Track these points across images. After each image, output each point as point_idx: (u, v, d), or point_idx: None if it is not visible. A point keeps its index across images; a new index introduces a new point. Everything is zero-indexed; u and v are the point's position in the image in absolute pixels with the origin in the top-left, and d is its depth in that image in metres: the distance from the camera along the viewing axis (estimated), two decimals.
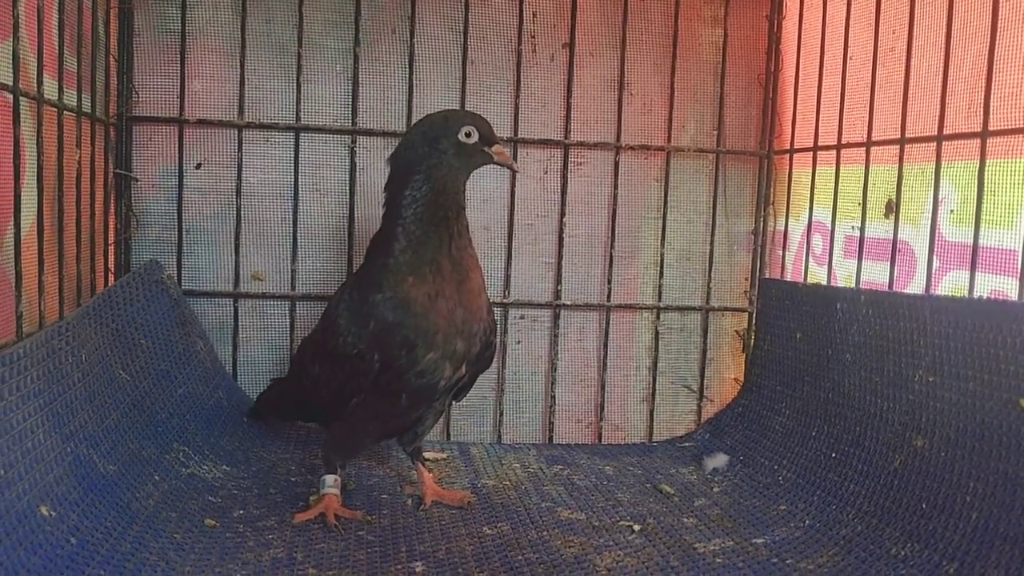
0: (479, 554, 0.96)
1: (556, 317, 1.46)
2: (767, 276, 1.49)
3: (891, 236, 1.16)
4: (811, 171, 1.36)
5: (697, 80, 1.47)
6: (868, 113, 1.20)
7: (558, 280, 1.45)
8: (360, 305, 1.01)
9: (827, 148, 1.31)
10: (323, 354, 1.06)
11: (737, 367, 1.52)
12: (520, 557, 0.95)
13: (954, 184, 1.08)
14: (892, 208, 1.17)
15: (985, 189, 1.00)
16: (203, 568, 0.88)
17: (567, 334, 1.47)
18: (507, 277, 1.43)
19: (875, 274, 1.20)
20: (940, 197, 1.09)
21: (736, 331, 1.53)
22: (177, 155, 1.35)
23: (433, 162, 1.01)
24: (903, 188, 1.15)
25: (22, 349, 0.87)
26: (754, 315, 1.49)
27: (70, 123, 1.11)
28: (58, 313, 1.07)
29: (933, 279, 1.09)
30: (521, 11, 1.40)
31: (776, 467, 1.21)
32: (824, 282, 1.31)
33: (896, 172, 1.15)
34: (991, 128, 0.99)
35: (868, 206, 1.22)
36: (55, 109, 1.06)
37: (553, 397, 1.47)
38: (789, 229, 1.45)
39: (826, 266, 1.31)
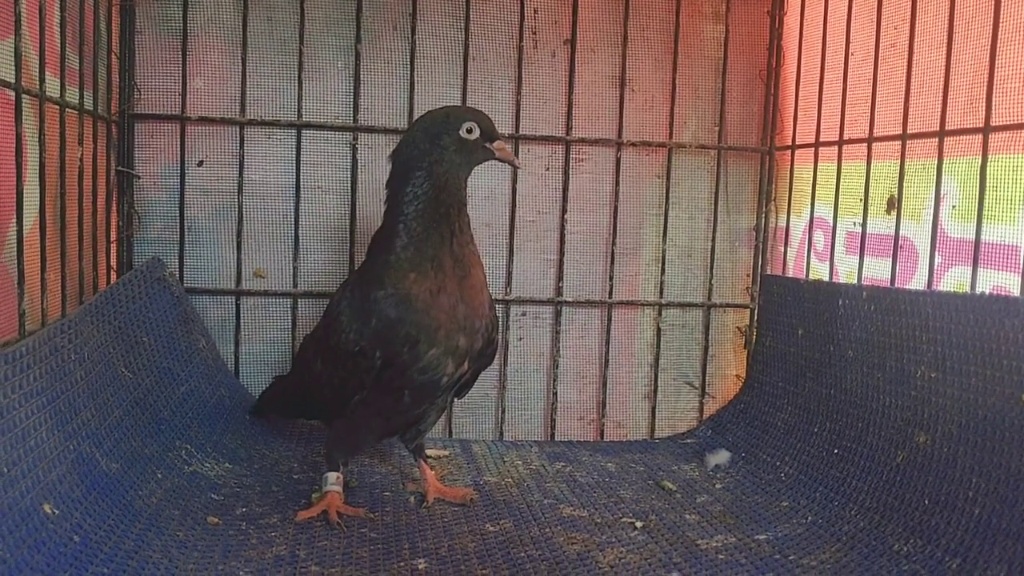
0: (481, 551, 0.96)
1: (558, 314, 1.46)
2: (769, 272, 1.49)
3: (893, 232, 1.16)
4: (813, 167, 1.36)
5: (698, 76, 1.47)
6: (870, 109, 1.20)
7: (560, 277, 1.45)
8: (362, 302, 1.01)
9: (829, 144, 1.31)
10: (325, 351, 1.06)
11: (739, 363, 1.52)
12: (523, 554, 0.95)
13: (956, 180, 1.08)
14: (894, 204, 1.17)
15: (987, 185, 1.00)
16: (206, 566, 0.88)
17: (569, 331, 1.47)
18: (509, 274, 1.43)
19: (877, 270, 1.20)
20: (942, 193, 1.08)
21: (738, 327, 1.53)
22: (179, 152, 1.35)
23: (434, 158, 1.00)
24: (905, 184, 1.15)
25: (24, 347, 0.87)
26: (756, 311, 1.49)
27: (72, 120, 1.11)
28: (60, 311, 1.08)
29: (935, 275, 1.09)
30: (522, 7, 1.40)
31: (778, 463, 1.22)
32: (826, 278, 1.31)
33: (898, 168, 1.15)
34: (993, 123, 0.99)
35: (870, 202, 1.22)
36: (57, 106, 1.06)
37: (555, 394, 1.47)
38: (791, 225, 1.45)
39: (828, 262, 1.31)
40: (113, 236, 1.31)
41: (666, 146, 1.46)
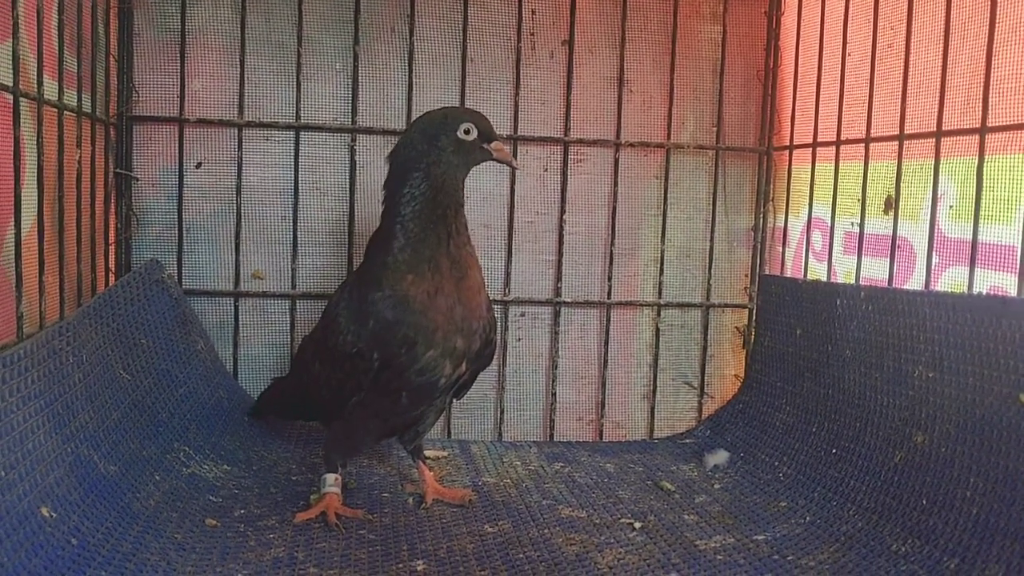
0: (480, 552, 0.96)
1: (557, 314, 1.46)
2: (767, 272, 1.49)
3: (890, 232, 1.16)
4: (810, 167, 1.36)
5: (696, 77, 1.47)
6: (867, 109, 1.20)
7: (558, 277, 1.45)
8: (359, 303, 1.01)
9: (826, 144, 1.31)
10: (323, 352, 1.06)
11: (737, 363, 1.52)
12: (521, 555, 0.95)
13: (953, 180, 1.08)
14: (891, 204, 1.17)
15: (984, 185, 1.00)
16: (204, 568, 0.88)
17: (568, 331, 1.47)
18: (507, 275, 1.43)
19: (875, 270, 1.20)
20: (939, 193, 1.09)
21: (736, 327, 1.53)
22: (177, 154, 1.35)
23: (432, 160, 1.01)
24: (902, 184, 1.15)
25: (23, 350, 0.87)
26: (754, 311, 1.49)
27: (70, 123, 1.11)
28: (59, 313, 1.08)
29: (932, 275, 1.09)
30: (520, 9, 1.40)
31: (777, 463, 1.22)
32: (824, 278, 1.31)
33: (895, 168, 1.15)
34: (990, 124, 0.99)
35: (867, 202, 1.22)
36: (55, 109, 1.06)
37: (554, 394, 1.47)
38: (789, 225, 1.45)
39: (826, 262, 1.31)
40: (111, 238, 1.32)
41: (664, 147, 1.46)
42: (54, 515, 0.83)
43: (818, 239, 1.36)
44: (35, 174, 1.02)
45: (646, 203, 1.48)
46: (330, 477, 1.07)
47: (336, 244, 1.40)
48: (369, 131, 1.39)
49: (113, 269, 1.32)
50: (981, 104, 1.00)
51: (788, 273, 1.45)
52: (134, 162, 1.34)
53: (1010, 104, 0.98)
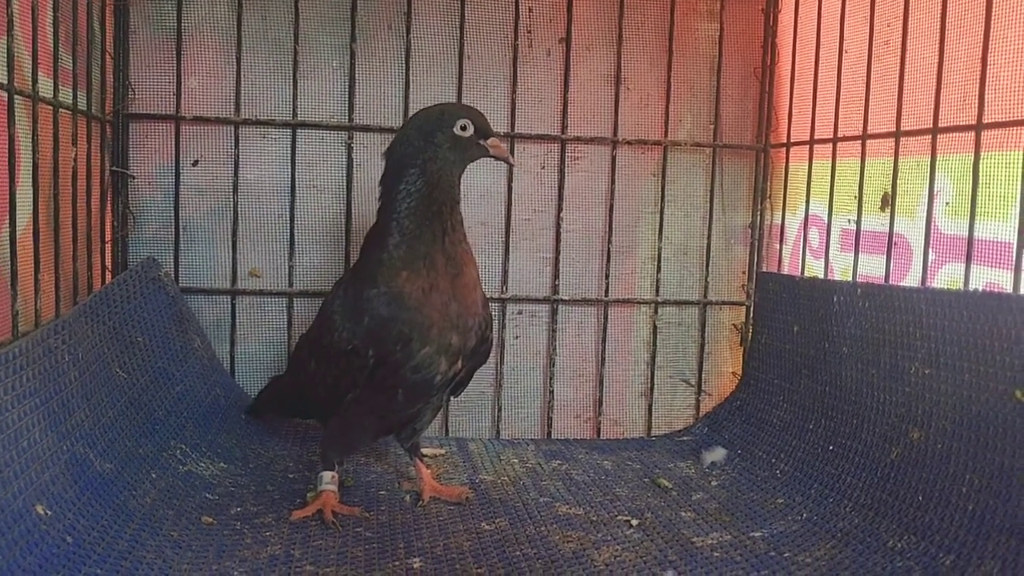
0: (477, 550, 0.96)
1: (554, 312, 1.46)
2: (764, 270, 1.49)
3: (887, 229, 1.16)
4: (807, 165, 1.36)
5: (693, 74, 1.47)
6: (864, 106, 1.20)
7: (556, 275, 1.45)
8: (354, 300, 1.01)
9: (823, 142, 1.31)
10: (319, 350, 1.06)
11: (735, 361, 1.52)
12: (518, 552, 0.95)
13: (950, 177, 1.08)
14: (888, 201, 1.17)
15: (980, 181, 1.00)
16: (200, 566, 0.88)
17: (565, 329, 1.47)
18: (505, 272, 1.43)
19: (871, 267, 1.20)
20: (936, 190, 1.09)
21: (734, 325, 1.53)
22: (174, 152, 1.35)
23: (428, 156, 1.00)
24: (899, 181, 1.15)
25: (18, 348, 0.87)
26: (751, 309, 1.49)
27: (66, 121, 1.11)
28: (54, 311, 1.08)
29: (929, 272, 1.09)
30: (517, 6, 1.40)
31: (774, 460, 1.22)
32: (821, 275, 1.31)
33: (892, 165, 1.15)
34: (986, 121, 0.99)
35: (864, 199, 1.22)
36: (50, 107, 1.06)
37: (551, 392, 1.47)
38: (786, 223, 1.45)
39: (823, 259, 1.32)
40: (108, 236, 1.31)
41: (661, 144, 1.46)
42: (49, 513, 0.82)
43: (815, 236, 1.36)
44: (30, 172, 1.01)
45: (643, 201, 1.48)
46: (327, 475, 1.07)
47: (333, 242, 1.40)
48: (366, 129, 1.38)
49: (109, 267, 1.32)
50: (977, 101, 1.00)
51: (785, 270, 1.45)
52: (130, 160, 1.34)
53: (1006, 101, 0.98)
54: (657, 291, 1.48)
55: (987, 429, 0.91)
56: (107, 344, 1.11)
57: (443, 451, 1.33)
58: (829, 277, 1.30)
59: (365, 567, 0.90)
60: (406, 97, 1.38)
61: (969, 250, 1.01)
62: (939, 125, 1.07)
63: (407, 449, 1.16)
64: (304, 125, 1.37)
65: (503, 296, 1.43)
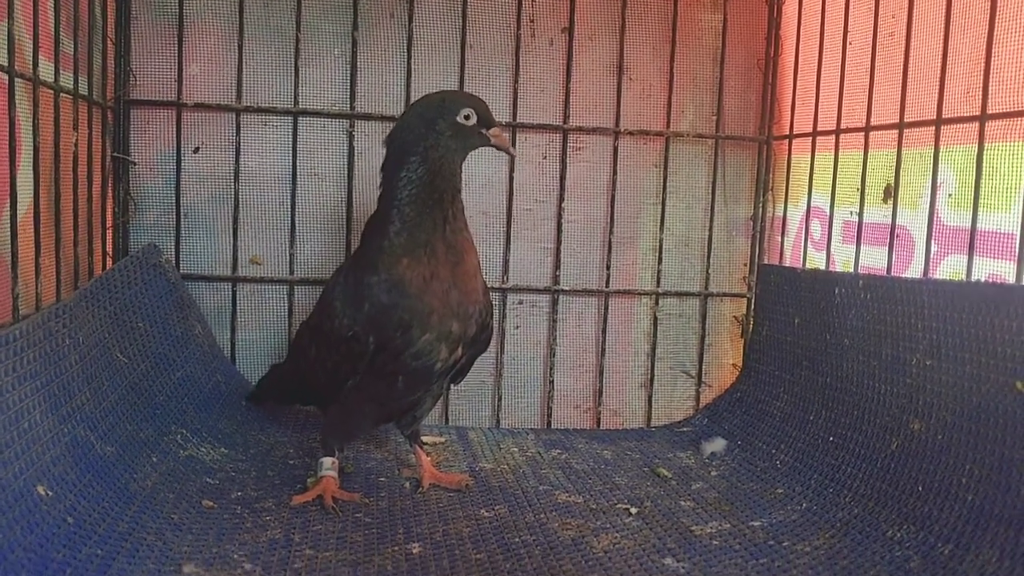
0: (476, 536, 0.96)
1: (555, 302, 1.46)
2: (766, 262, 1.49)
3: (889, 221, 1.16)
4: (810, 156, 1.36)
5: (696, 65, 1.47)
6: (867, 98, 1.20)
7: (557, 265, 1.45)
8: (355, 287, 1.01)
9: (826, 133, 1.31)
10: (320, 336, 1.06)
11: (735, 352, 1.52)
12: (517, 539, 0.95)
13: (952, 168, 1.08)
14: (890, 193, 1.17)
15: (983, 173, 1.00)
16: (200, 548, 0.88)
17: (566, 319, 1.47)
18: (506, 262, 1.43)
19: (873, 259, 1.20)
20: (938, 181, 1.08)
21: (735, 316, 1.53)
22: (175, 139, 1.35)
23: (430, 143, 1.00)
24: (901, 173, 1.15)
25: (19, 330, 0.87)
26: (752, 300, 1.49)
27: (67, 106, 1.11)
28: (55, 296, 1.07)
29: (931, 263, 1.09)
30: None
31: (774, 451, 1.22)
32: (823, 267, 1.31)
33: (895, 157, 1.15)
34: (989, 112, 0.99)
35: (867, 191, 1.22)
36: (51, 91, 1.06)
37: (551, 382, 1.47)
38: (788, 215, 1.45)
39: (824, 251, 1.31)
40: (109, 222, 1.31)
41: (663, 135, 1.46)
42: (50, 494, 0.83)
43: (817, 228, 1.36)
44: (31, 156, 1.01)
45: (645, 192, 1.48)
46: (327, 461, 1.07)
47: (334, 230, 1.40)
48: (367, 117, 1.38)
49: (111, 253, 1.32)
50: (981, 92, 0.99)
51: (787, 262, 1.45)
52: (131, 146, 1.34)
53: (1010, 92, 0.98)
54: (658, 282, 1.48)
55: (988, 420, 0.91)
56: (108, 329, 1.11)
57: (443, 439, 1.33)
58: (831, 269, 1.30)
59: (364, 552, 0.90)
60: (408, 86, 1.38)
61: (972, 241, 1.01)
62: (942, 116, 1.06)
63: (407, 436, 1.16)
64: (305, 113, 1.37)
65: (504, 286, 1.43)
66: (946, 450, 0.95)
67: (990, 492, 0.87)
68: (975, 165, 1.00)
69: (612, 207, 1.46)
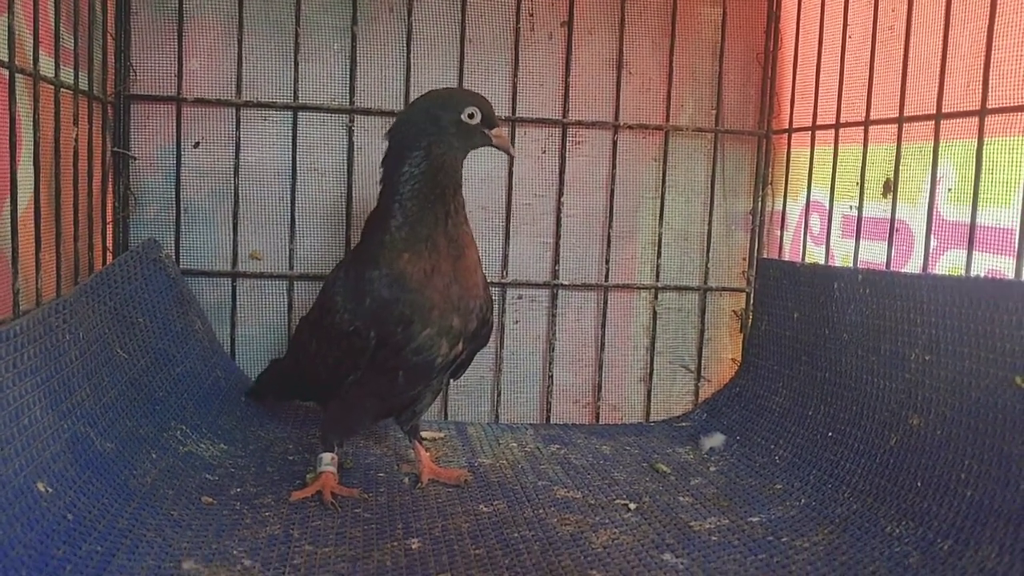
0: (475, 531, 0.96)
1: (554, 297, 1.46)
2: (765, 256, 1.49)
3: (889, 215, 1.16)
4: (809, 151, 1.36)
5: (696, 59, 1.47)
6: (867, 92, 1.20)
7: (556, 260, 1.45)
8: (356, 282, 1.01)
9: (825, 127, 1.31)
10: (320, 331, 1.06)
11: (735, 347, 1.52)
12: (516, 535, 0.96)
13: (952, 163, 1.08)
14: (890, 187, 1.17)
15: (983, 167, 1.00)
16: (200, 544, 0.88)
17: (565, 314, 1.47)
18: (505, 257, 1.43)
19: (873, 254, 1.20)
20: (938, 176, 1.08)
21: (734, 311, 1.53)
22: (175, 134, 1.34)
23: (434, 139, 1.00)
24: (901, 167, 1.15)
25: (19, 326, 0.87)
26: (752, 295, 1.49)
27: (67, 101, 1.11)
28: (55, 291, 1.08)
29: (931, 258, 1.09)
30: None
31: (772, 446, 1.22)
32: (822, 262, 1.31)
33: (894, 151, 1.15)
34: (989, 106, 0.99)
35: (866, 185, 1.22)
36: (52, 86, 1.05)
37: (551, 377, 1.47)
38: (787, 209, 1.45)
39: (824, 246, 1.31)
40: (109, 217, 1.31)
41: (663, 129, 1.46)
42: (50, 490, 0.83)
43: (816, 222, 1.36)
44: (32, 151, 1.01)
45: (644, 186, 1.48)
46: (326, 456, 1.08)
47: (334, 225, 1.40)
48: (367, 112, 1.38)
49: (111, 248, 1.32)
50: (981, 86, 0.99)
51: (786, 257, 1.44)
52: (132, 141, 1.34)
53: (1010, 86, 0.98)
54: (657, 277, 1.48)
55: (987, 416, 0.91)
56: (108, 324, 1.11)
57: (442, 434, 1.33)
58: (830, 263, 1.30)
59: (363, 547, 0.91)
60: (407, 80, 1.38)
61: (971, 236, 1.01)
62: (942, 111, 1.06)
63: (406, 432, 1.16)
64: (305, 108, 1.37)
65: (503, 281, 1.43)
66: (945, 445, 0.95)
67: (989, 487, 0.87)
68: (975, 160, 1.00)
69: (611, 201, 1.46)
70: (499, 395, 1.46)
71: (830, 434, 1.14)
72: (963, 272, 1.01)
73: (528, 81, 1.42)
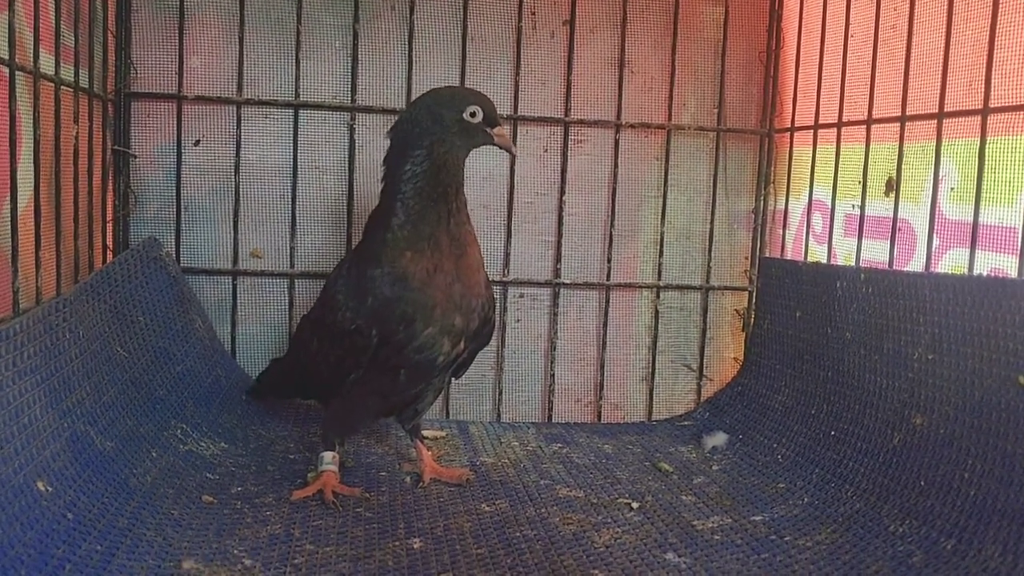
0: (477, 531, 0.96)
1: (556, 296, 1.45)
2: (767, 255, 1.49)
3: (891, 214, 1.16)
4: (812, 149, 1.35)
5: (698, 58, 1.46)
6: (869, 91, 1.20)
7: (558, 259, 1.45)
8: (358, 280, 1.01)
9: (828, 126, 1.31)
10: (322, 329, 1.06)
11: (737, 346, 1.52)
12: (518, 534, 0.95)
13: (955, 162, 1.08)
14: (892, 186, 1.17)
15: (986, 166, 1.00)
16: (200, 544, 0.88)
17: (567, 313, 1.47)
18: (506, 255, 1.43)
19: (875, 252, 1.20)
20: (940, 175, 1.08)
21: (736, 310, 1.52)
22: (176, 132, 1.34)
23: (436, 138, 1.00)
24: (904, 166, 1.15)
25: (19, 324, 0.86)
26: (754, 294, 1.49)
27: (67, 99, 1.10)
28: (55, 290, 1.07)
29: (933, 257, 1.09)
30: None
31: (775, 445, 1.21)
32: (824, 261, 1.31)
33: (897, 150, 1.15)
34: (992, 105, 0.98)
35: (868, 184, 1.22)
36: (52, 84, 1.05)
37: (552, 376, 1.47)
38: (789, 208, 1.45)
39: (826, 245, 1.31)
40: (109, 215, 1.31)
41: (665, 128, 1.46)
42: (50, 489, 0.82)
43: (819, 221, 1.36)
44: (32, 149, 1.01)
45: (646, 185, 1.47)
46: (327, 455, 1.07)
47: (335, 223, 1.40)
48: (368, 110, 1.38)
49: (111, 246, 1.32)
50: (983, 85, 0.99)
51: (788, 255, 1.44)
52: (132, 139, 1.34)
53: (1013, 85, 0.97)
54: (659, 276, 1.48)
55: (990, 415, 0.91)
56: (108, 323, 1.11)
57: (444, 433, 1.33)
58: (832, 262, 1.29)
59: (365, 547, 0.90)
60: (409, 78, 1.38)
61: (974, 235, 1.00)
62: (945, 109, 1.06)
63: (408, 431, 1.16)
64: (306, 106, 1.37)
65: (505, 279, 1.43)
66: (948, 444, 0.95)
67: (992, 487, 0.87)
68: (977, 158, 1.00)
69: (613, 200, 1.45)
70: (501, 394, 1.45)
71: (833, 433, 1.14)
72: (966, 271, 1.01)
73: (530, 80, 1.42)
